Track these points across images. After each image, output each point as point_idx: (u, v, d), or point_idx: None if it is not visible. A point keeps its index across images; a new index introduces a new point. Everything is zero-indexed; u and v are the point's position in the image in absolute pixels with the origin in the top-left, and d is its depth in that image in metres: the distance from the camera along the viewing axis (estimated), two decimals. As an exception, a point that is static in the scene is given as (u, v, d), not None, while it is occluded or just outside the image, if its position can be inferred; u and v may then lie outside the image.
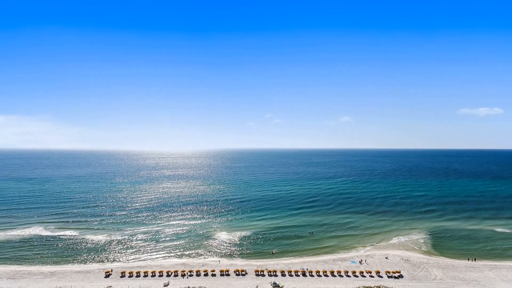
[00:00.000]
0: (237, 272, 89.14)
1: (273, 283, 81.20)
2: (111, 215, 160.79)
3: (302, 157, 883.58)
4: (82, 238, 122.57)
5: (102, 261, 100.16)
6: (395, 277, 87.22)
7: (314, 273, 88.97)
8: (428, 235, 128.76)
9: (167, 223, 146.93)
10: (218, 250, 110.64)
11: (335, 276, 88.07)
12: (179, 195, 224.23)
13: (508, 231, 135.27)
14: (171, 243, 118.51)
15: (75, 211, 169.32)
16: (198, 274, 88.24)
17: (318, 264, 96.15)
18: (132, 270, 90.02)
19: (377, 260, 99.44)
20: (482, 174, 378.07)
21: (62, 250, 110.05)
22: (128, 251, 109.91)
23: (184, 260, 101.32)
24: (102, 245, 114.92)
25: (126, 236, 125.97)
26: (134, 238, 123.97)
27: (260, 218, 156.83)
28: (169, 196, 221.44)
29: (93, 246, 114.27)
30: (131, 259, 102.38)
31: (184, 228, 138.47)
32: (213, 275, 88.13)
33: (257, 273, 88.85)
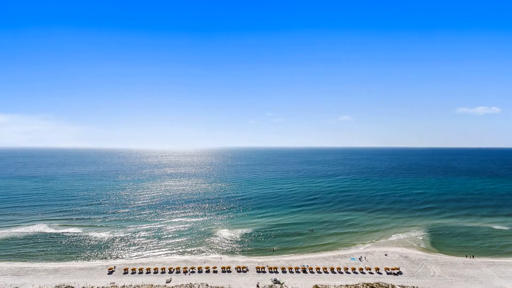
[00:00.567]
0: (239, 269, 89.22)
1: (274, 280, 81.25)
2: (114, 213, 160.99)
3: (303, 156, 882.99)
4: (86, 235, 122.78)
5: (105, 258, 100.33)
6: (394, 274, 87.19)
7: (314, 270, 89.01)
8: (427, 232, 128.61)
9: (169, 221, 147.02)
10: (220, 247, 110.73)
11: (335, 272, 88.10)
12: (181, 193, 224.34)
13: (506, 228, 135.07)
14: (173, 240, 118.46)
15: (78, 208, 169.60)
16: (200, 271, 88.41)
17: (318, 261, 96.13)
18: (134, 267, 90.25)
19: (377, 257, 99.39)
20: (480, 172, 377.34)
21: (65, 247, 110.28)
22: (131, 248, 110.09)
23: (186, 257, 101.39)
24: (105, 242, 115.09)
25: (129, 234, 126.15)
26: (137, 236, 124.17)
27: (261, 215, 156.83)
28: (171, 194, 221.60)
29: (96, 243, 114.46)
30: (134, 256, 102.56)
31: (186, 226, 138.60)
32: (215, 271, 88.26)
33: (258, 270, 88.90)
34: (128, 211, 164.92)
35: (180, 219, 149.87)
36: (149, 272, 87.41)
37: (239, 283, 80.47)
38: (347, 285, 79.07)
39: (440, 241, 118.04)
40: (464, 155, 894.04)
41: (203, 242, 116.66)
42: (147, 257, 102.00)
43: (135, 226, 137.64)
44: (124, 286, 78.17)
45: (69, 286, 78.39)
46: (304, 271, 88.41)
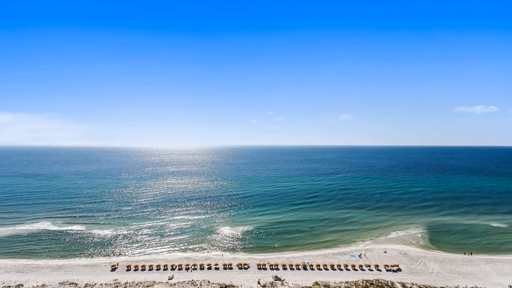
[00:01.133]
0: (240, 266, 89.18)
1: (275, 277, 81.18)
2: (117, 210, 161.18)
3: (303, 154, 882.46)
4: (89, 233, 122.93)
5: (108, 255, 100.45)
6: (394, 271, 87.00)
7: (314, 267, 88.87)
8: (426, 229, 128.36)
9: (172, 218, 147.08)
10: (221, 244, 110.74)
11: (335, 269, 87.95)
12: (183, 191, 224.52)
13: (504, 225, 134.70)
14: (175, 238, 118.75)
15: (82, 206, 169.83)
16: (201, 268, 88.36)
17: (318, 258, 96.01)
18: (137, 263, 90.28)
19: (376, 254, 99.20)
20: (478, 170, 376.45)
21: (69, 244, 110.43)
22: (134, 245, 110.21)
23: (188, 254, 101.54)
24: (108, 240, 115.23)
25: (132, 231, 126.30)
26: (140, 233, 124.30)
27: (262, 213, 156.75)
28: (174, 191, 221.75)
29: (99, 240, 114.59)
30: (137, 253, 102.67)
31: (188, 223, 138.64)
32: (216, 268, 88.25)
33: (259, 266, 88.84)
34: (131, 209, 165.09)
35: (182, 217, 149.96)
36: (152, 269, 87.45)
37: (240, 279, 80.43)
38: (347, 282, 78.91)
39: (439, 239, 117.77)
40: (462, 154, 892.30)
41: (205, 239, 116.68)
42: (150, 254, 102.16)
43: (137, 223, 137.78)
44: (127, 282, 78.22)
45: (72, 283, 78.47)
46: (305, 268, 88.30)
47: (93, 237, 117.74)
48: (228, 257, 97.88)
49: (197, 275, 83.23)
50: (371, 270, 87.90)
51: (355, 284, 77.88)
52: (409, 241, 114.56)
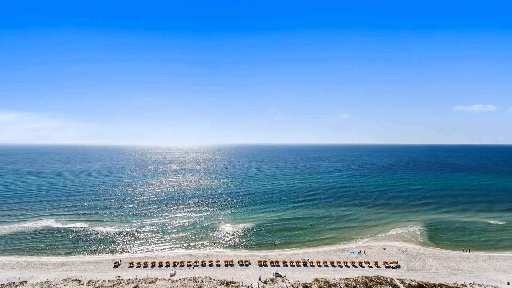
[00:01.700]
0: (241, 263, 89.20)
1: (276, 273, 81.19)
2: (120, 208, 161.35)
3: (303, 152, 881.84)
4: (92, 230, 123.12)
5: (111, 252, 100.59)
6: (393, 267, 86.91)
7: (315, 264, 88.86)
8: (424, 227, 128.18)
9: (174, 216, 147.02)
10: (223, 242, 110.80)
11: (335, 266, 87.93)
12: (185, 189, 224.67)
13: (501, 223, 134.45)
14: (177, 235, 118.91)
15: (85, 204, 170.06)
16: (203, 265, 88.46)
17: (318, 255, 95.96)
18: (140, 260, 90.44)
19: (376, 251, 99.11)
20: (476, 169, 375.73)
21: (72, 241, 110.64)
22: (136, 242, 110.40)
23: (190, 251, 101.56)
24: (111, 237, 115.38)
25: (134, 228, 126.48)
26: (142, 230, 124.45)
27: (263, 210, 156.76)
28: (176, 189, 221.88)
29: (102, 237, 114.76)
30: (139, 250, 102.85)
31: (190, 220, 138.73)
32: (218, 265, 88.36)
33: (260, 263, 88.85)
34: (134, 206, 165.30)
35: (184, 214, 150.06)
36: (154, 266, 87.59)
37: (241, 276, 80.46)
38: (346, 278, 78.86)
39: (437, 236, 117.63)
40: (461, 152, 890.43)
41: (207, 236, 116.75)
42: (152, 251, 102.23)
43: (140, 221, 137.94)
44: (129, 279, 78.34)
45: (76, 280, 78.60)
46: (305, 265, 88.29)
47: (96, 234, 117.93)
48: (229, 254, 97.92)
49: (199, 272, 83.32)
50: (370, 267, 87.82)
51: (355, 280, 77.81)
52: (408, 238, 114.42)
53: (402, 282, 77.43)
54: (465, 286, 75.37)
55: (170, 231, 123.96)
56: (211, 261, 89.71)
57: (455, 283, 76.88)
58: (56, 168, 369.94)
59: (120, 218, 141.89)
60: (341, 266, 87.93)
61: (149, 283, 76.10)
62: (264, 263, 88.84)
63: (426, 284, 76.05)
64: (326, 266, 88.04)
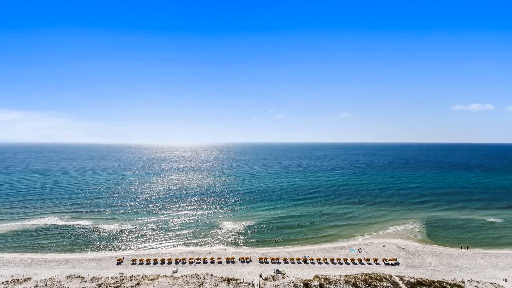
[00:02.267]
0: (242, 260, 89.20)
1: (276, 270, 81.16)
2: (122, 206, 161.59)
3: (304, 151, 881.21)
4: (95, 228, 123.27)
5: (114, 249, 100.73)
6: (392, 265, 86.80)
7: (315, 261, 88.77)
8: (423, 224, 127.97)
9: (176, 213, 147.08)
10: (224, 239, 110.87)
11: (335, 263, 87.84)
12: (187, 187, 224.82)
13: (499, 220, 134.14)
14: (179, 232, 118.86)
15: (88, 201, 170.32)
16: (205, 262, 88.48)
17: (318, 252, 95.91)
18: (142, 257, 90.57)
19: (375, 248, 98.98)
20: (474, 167, 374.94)
21: (76, 238, 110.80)
22: (139, 239, 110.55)
23: (192, 248, 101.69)
24: (114, 234, 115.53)
25: (137, 226, 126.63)
26: (145, 228, 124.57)
27: (263, 208, 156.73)
28: (178, 187, 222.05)
29: (105, 235, 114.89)
30: (142, 247, 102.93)
31: (191, 218, 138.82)
32: (219, 262, 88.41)
33: (261, 260, 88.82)
34: (136, 204, 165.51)
35: (186, 212, 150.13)
36: (156, 263, 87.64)
37: (242, 273, 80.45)
38: (346, 275, 78.79)
39: (436, 233, 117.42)
40: (459, 151, 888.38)
41: (208, 234, 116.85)
42: (154, 248, 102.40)
43: (142, 218, 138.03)
44: (132, 276, 78.43)
45: (79, 276, 78.71)
46: (305, 262, 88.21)
47: (99, 232, 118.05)
48: (230, 251, 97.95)
49: (201, 269, 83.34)
50: (370, 264, 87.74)
51: (355, 277, 77.73)
52: (407, 235, 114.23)
53: (401, 279, 77.29)
54: (463, 283, 75.16)
55: (172, 228, 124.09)
56: (213, 258, 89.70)
57: (453, 280, 76.70)
58: (60, 166, 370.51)
59: (123, 216, 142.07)
60: (341, 263, 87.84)
61: (151, 280, 76.16)
62: (265, 260, 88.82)
63: (425, 281, 75.89)
64: (326, 263, 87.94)
